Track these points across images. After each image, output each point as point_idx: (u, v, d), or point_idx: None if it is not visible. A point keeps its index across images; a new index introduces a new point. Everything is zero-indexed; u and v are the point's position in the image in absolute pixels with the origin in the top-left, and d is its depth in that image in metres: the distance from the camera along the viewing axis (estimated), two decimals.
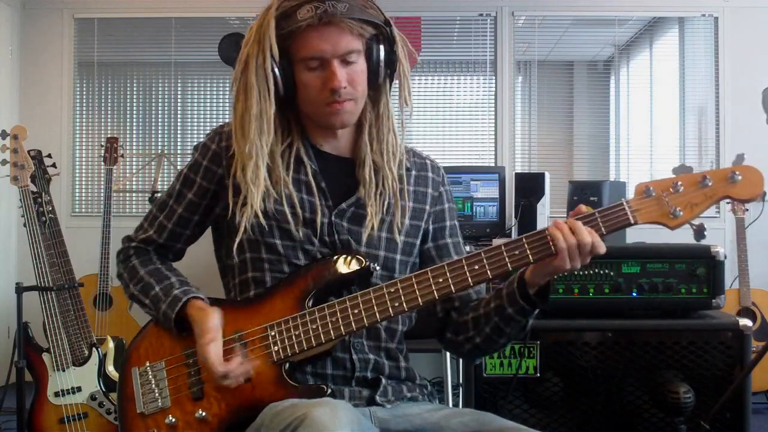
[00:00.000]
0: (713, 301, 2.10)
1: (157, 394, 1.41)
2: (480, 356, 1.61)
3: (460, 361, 2.22)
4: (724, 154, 4.72)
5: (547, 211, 3.88)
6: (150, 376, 1.42)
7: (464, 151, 4.90)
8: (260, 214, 1.40)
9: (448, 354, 2.31)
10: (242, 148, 1.39)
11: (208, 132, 1.53)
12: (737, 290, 3.92)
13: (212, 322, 1.36)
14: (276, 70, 1.37)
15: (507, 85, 4.83)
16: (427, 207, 1.55)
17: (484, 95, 4.90)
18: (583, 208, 1.33)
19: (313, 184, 1.45)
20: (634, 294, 2.10)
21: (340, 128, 1.46)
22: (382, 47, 1.41)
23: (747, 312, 3.89)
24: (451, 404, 2.73)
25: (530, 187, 3.95)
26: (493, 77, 4.86)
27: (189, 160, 1.53)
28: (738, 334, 2.06)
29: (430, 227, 1.55)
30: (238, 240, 1.43)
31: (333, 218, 1.44)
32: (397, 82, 1.48)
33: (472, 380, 2.08)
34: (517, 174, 4.23)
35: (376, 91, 1.46)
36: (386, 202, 1.47)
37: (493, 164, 4.78)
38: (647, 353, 2.07)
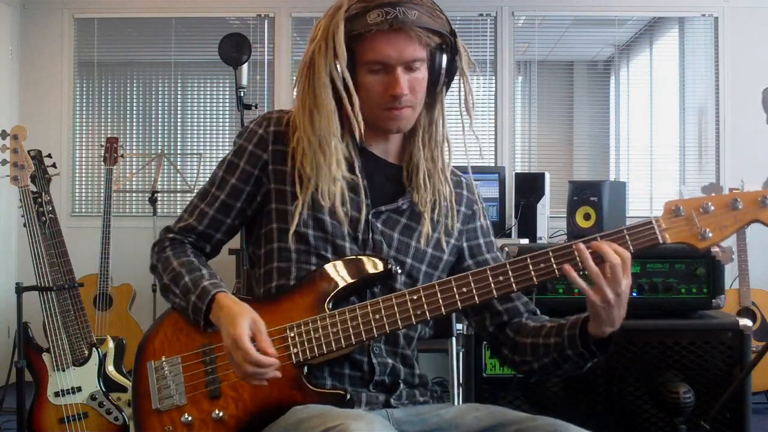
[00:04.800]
0: (713, 301, 2.09)
1: (172, 390, 1.39)
2: (537, 378, 1.59)
3: (461, 361, 2.22)
4: (724, 154, 4.73)
5: (547, 211, 3.88)
6: (165, 371, 1.40)
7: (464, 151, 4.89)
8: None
9: (453, 355, 2.30)
10: (314, 143, 1.38)
11: (254, 120, 1.50)
12: (737, 290, 3.92)
13: (246, 317, 1.32)
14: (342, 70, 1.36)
15: (507, 85, 4.83)
16: (458, 225, 1.53)
17: (484, 95, 4.90)
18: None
19: (357, 181, 1.43)
20: (634, 294, 2.10)
21: (395, 133, 1.46)
22: (445, 57, 1.40)
23: (747, 312, 3.89)
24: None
25: (530, 187, 3.94)
26: (493, 77, 4.86)
27: (232, 146, 1.50)
28: (738, 334, 2.05)
29: (464, 244, 1.55)
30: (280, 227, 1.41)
31: (370, 217, 1.44)
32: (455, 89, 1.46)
33: (472, 380, 2.08)
34: (517, 174, 4.23)
35: (432, 98, 1.45)
36: (438, 211, 1.47)
37: (493, 164, 4.78)
38: (647, 353, 2.07)
